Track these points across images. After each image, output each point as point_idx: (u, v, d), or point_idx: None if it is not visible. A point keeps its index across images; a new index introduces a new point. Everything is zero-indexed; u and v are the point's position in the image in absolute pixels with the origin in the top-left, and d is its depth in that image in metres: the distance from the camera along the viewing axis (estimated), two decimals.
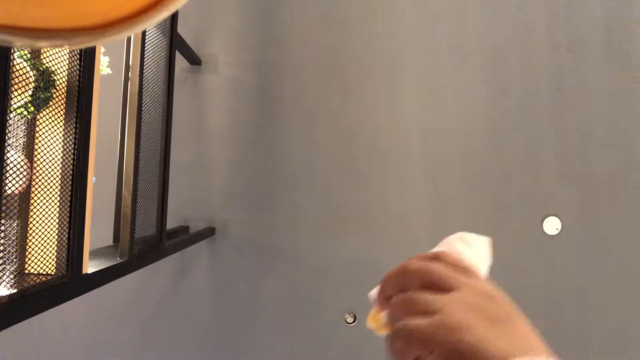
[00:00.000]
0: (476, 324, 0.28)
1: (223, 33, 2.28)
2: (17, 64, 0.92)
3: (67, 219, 1.02)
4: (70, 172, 1.03)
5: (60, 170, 1.02)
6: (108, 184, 1.77)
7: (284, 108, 2.24)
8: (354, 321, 2.13)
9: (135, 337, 2.20)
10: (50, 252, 1.00)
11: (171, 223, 2.06)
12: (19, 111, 0.94)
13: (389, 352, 0.30)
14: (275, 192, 2.21)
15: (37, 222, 0.99)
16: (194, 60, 2.23)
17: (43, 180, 1.00)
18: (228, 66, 2.27)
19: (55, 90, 1.00)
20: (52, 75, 0.99)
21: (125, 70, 1.66)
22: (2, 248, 0.88)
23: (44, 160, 1.00)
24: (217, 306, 2.19)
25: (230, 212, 2.22)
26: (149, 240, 1.53)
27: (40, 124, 1.00)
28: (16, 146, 0.95)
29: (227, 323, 2.19)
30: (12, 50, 0.86)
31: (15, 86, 0.89)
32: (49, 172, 1.01)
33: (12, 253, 0.92)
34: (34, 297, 0.90)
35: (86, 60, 1.05)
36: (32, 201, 1.00)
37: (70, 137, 1.02)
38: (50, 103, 1.00)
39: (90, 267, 1.13)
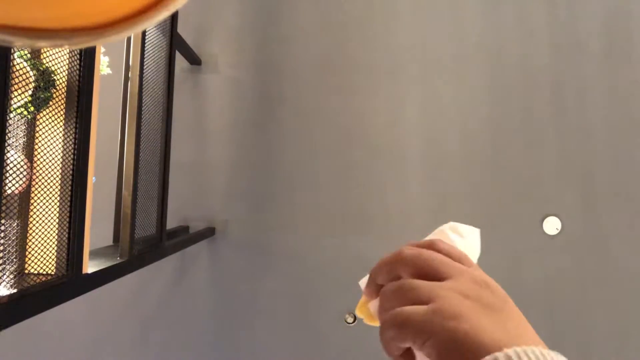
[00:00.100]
0: (472, 312, 0.27)
1: (223, 33, 2.28)
2: (17, 64, 0.92)
3: (67, 219, 1.02)
4: (70, 172, 1.03)
5: (60, 170, 1.02)
6: (108, 184, 1.77)
7: (283, 108, 2.24)
8: (354, 321, 2.13)
9: (135, 337, 2.20)
10: (50, 252, 1.00)
11: (171, 223, 2.06)
12: (19, 111, 0.94)
13: (381, 342, 0.29)
14: (275, 192, 2.21)
15: (37, 222, 0.99)
16: (194, 60, 2.23)
17: (43, 180, 1.00)
18: (228, 66, 2.27)
19: (55, 90, 1.00)
20: (52, 75, 0.99)
21: (125, 70, 1.66)
22: (2, 248, 0.88)
23: (44, 160, 1.00)
24: (217, 306, 2.19)
25: (230, 212, 2.22)
26: (149, 240, 1.53)
27: (40, 124, 1.01)
28: (16, 146, 0.95)
29: (227, 323, 2.18)
30: (12, 50, 0.86)
31: (15, 86, 0.89)
32: (49, 172, 1.01)
33: (12, 253, 0.92)
34: (34, 297, 0.90)
35: (86, 60, 1.05)
36: (32, 201, 1.00)
37: (70, 137, 1.02)
38: (50, 103, 1.00)
39: (90, 267, 1.13)
